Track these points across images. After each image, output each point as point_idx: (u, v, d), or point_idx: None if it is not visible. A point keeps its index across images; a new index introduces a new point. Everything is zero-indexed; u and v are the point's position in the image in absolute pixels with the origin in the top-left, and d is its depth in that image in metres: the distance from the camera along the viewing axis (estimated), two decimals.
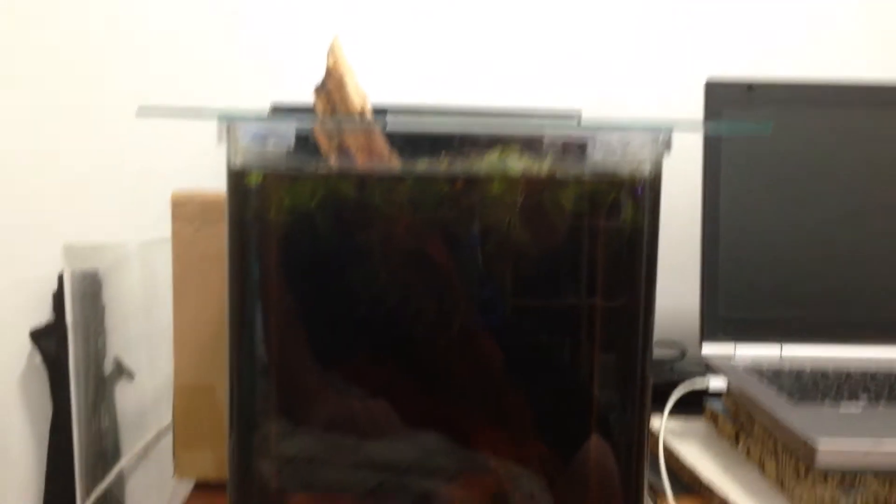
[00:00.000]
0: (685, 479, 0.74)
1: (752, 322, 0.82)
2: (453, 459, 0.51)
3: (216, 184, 0.67)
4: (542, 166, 0.48)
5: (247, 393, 0.50)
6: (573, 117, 0.76)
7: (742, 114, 0.82)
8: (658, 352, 0.97)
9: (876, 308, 0.84)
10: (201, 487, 0.72)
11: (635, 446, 0.51)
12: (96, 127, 0.97)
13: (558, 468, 0.52)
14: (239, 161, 0.47)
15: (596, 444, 0.51)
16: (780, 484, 0.68)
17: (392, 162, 0.50)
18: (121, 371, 0.97)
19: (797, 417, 0.66)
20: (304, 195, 0.47)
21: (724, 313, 0.82)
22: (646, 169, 0.48)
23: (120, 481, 0.97)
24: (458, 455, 0.51)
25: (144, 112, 0.41)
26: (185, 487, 0.73)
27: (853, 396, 0.70)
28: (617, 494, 0.51)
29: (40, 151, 0.97)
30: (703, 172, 0.83)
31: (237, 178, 0.47)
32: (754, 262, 0.83)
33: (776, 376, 0.76)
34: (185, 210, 0.67)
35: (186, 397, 0.71)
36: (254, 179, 0.47)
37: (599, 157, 0.47)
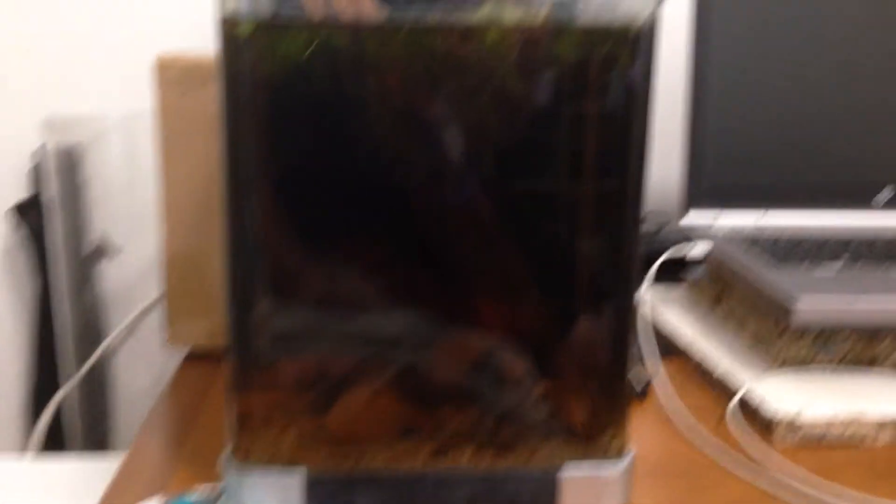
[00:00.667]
0: (666, 342, 0.76)
1: (736, 188, 0.83)
2: (442, 325, 0.52)
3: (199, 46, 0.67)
4: (538, 17, 0.48)
5: (243, 250, 0.50)
6: None
7: None
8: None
9: (856, 173, 0.85)
10: (192, 357, 0.73)
11: (623, 309, 0.52)
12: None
13: (549, 333, 0.53)
14: (229, 8, 0.46)
15: (584, 307, 0.52)
16: (758, 343, 0.70)
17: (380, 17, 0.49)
18: (106, 246, 0.97)
19: (775, 279, 0.67)
20: (296, 45, 0.47)
21: (708, 179, 0.83)
22: (642, 20, 0.47)
23: (107, 357, 0.98)
24: (447, 321, 0.52)
25: None
26: (174, 360, 0.74)
27: (830, 259, 0.72)
28: (603, 360, 0.52)
29: (17, 23, 0.94)
30: (692, 33, 0.82)
31: (227, 28, 0.46)
32: (739, 127, 0.84)
33: (756, 242, 0.77)
34: (170, 74, 0.66)
35: (177, 266, 0.72)
36: (245, 29, 0.46)
37: (596, 7, 0.47)
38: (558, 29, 0.48)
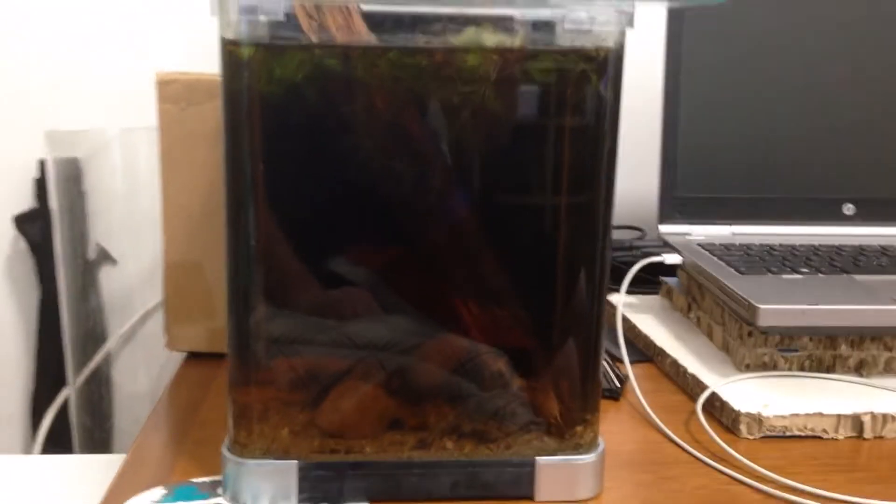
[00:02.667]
0: (641, 347, 0.80)
1: (708, 202, 0.88)
2: (426, 331, 0.56)
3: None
4: (515, 40, 0.52)
5: (244, 258, 0.54)
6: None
7: None
8: (620, 234, 1.03)
9: (821, 189, 0.89)
10: (193, 358, 0.77)
11: (594, 313, 0.56)
12: (78, 15, 0.98)
13: (525, 334, 0.57)
14: (231, 34, 0.50)
15: (557, 311, 0.56)
16: (726, 348, 0.74)
17: (371, 41, 0.54)
18: (104, 256, 1.00)
19: (740, 286, 0.71)
20: (291, 67, 0.51)
21: (682, 194, 0.87)
22: (611, 43, 0.51)
23: (108, 361, 1.02)
24: (431, 324, 0.56)
25: None
26: (174, 363, 0.78)
27: (796, 268, 0.76)
28: (576, 361, 0.56)
29: (21, 38, 0.98)
30: (665, 55, 0.86)
31: (229, 50, 0.50)
32: (711, 144, 0.88)
33: (727, 251, 0.81)
34: (171, 89, 0.70)
35: (176, 274, 0.75)
36: (245, 52, 0.50)
37: (568, 33, 0.51)
38: (534, 51, 0.52)
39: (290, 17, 0.50)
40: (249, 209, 0.53)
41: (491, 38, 0.52)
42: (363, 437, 0.55)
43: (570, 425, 0.56)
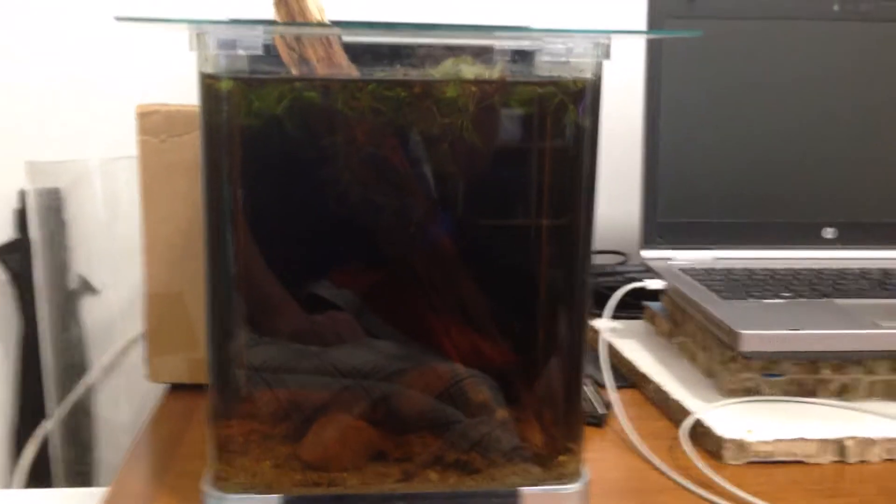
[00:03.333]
0: (625, 372, 0.80)
1: (689, 227, 0.88)
2: (409, 357, 0.55)
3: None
4: (493, 72, 0.52)
5: (224, 288, 0.54)
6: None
7: (683, 24, 0.86)
8: (603, 259, 1.03)
9: (802, 214, 0.90)
10: (175, 390, 0.76)
11: (575, 343, 0.56)
12: (59, 46, 0.98)
13: (508, 364, 0.57)
14: (209, 68, 0.50)
15: (539, 340, 0.56)
16: (710, 373, 0.74)
17: (352, 72, 0.54)
18: (86, 286, 1.00)
19: (722, 311, 0.72)
20: (271, 100, 0.51)
21: (664, 219, 0.88)
22: (588, 74, 0.52)
23: (90, 392, 1.01)
24: (414, 352, 0.55)
25: (122, 19, 0.44)
26: (157, 394, 0.77)
27: (777, 293, 0.77)
28: (558, 388, 0.56)
29: (1, 69, 0.98)
30: (644, 85, 0.87)
31: (208, 84, 0.50)
32: (693, 170, 0.89)
33: (708, 275, 0.82)
34: (151, 121, 0.70)
35: (158, 305, 0.75)
36: (224, 85, 0.50)
37: (546, 64, 0.51)
38: (512, 82, 0.52)
39: (270, 50, 0.51)
40: (229, 241, 0.53)
41: (469, 70, 0.53)
42: (346, 469, 0.55)
43: (553, 454, 0.56)
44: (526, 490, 0.55)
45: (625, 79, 0.91)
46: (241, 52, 0.49)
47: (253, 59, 0.50)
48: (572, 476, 0.56)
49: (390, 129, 0.52)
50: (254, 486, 0.54)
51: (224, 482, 0.54)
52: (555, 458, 0.56)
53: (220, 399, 0.55)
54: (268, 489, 0.54)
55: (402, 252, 0.55)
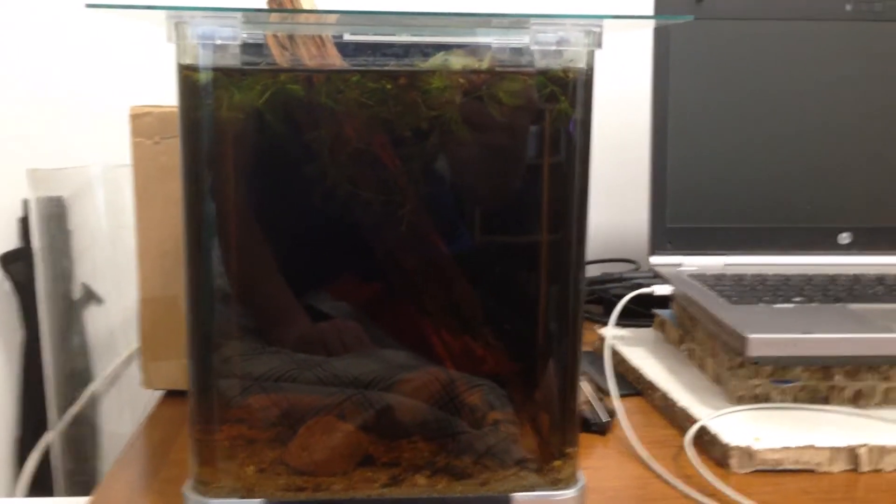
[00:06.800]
0: (632, 380, 0.78)
1: (699, 233, 0.86)
2: (400, 360, 0.54)
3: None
4: (482, 63, 0.51)
5: (206, 290, 0.53)
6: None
7: (691, 25, 0.85)
8: (613, 266, 1.01)
9: (816, 219, 0.87)
10: (170, 396, 0.75)
11: (570, 346, 0.54)
12: (60, 52, 0.98)
13: (502, 369, 0.55)
14: (188, 59, 0.49)
15: (533, 344, 0.54)
16: (718, 380, 0.72)
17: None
18: (89, 296, 0.99)
19: (730, 316, 0.69)
20: (253, 92, 0.49)
21: (673, 224, 0.86)
22: (580, 64, 0.50)
23: (93, 403, 1.00)
24: (403, 357, 0.54)
25: (93, 6, 0.43)
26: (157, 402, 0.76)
27: (788, 298, 0.74)
28: (553, 393, 0.54)
29: (2, 77, 0.98)
30: (652, 87, 0.85)
31: (186, 76, 0.49)
32: (702, 174, 0.86)
33: (718, 281, 0.79)
34: (144, 122, 0.69)
35: (152, 309, 0.74)
36: (203, 76, 0.49)
37: (536, 53, 0.50)
38: (501, 73, 0.50)
39: (250, 48, 0.49)
40: (209, 241, 0.51)
41: (458, 61, 0.51)
42: (333, 474, 0.53)
43: (547, 459, 0.54)
44: (519, 496, 0.52)
45: (630, 78, 0.90)
46: (220, 41, 0.48)
47: (234, 49, 0.49)
48: (567, 482, 0.54)
49: (376, 123, 0.51)
50: (237, 491, 0.52)
51: (206, 487, 0.52)
52: (549, 464, 0.54)
53: (202, 404, 0.53)
54: (250, 494, 0.52)
55: (391, 250, 0.53)
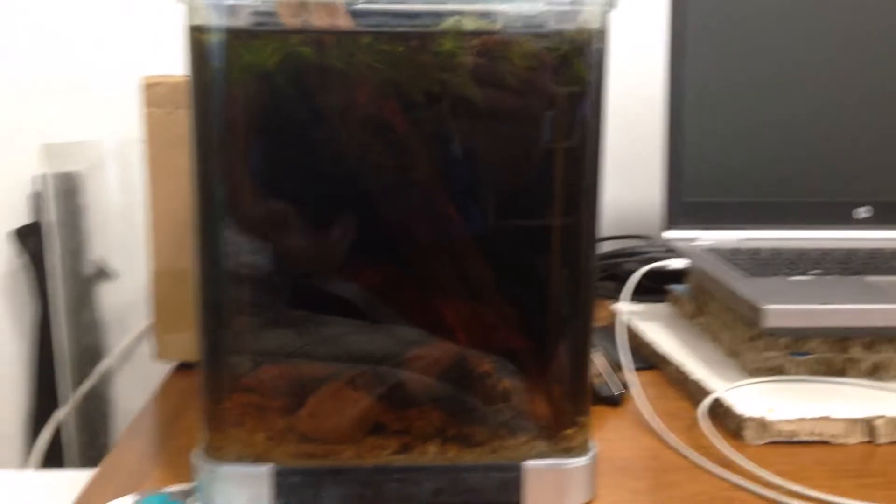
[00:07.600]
0: (646, 355, 0.77)
1: (715, 207, 0.85)
2: (409, 332, 0.53)
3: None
4: (494, 24, 0.50)
5: (215, 260, 0.52)
6: None
7: None
8: (623, 243, 1.00)
9: (835, 192, 0.86)
10: (181, 368, 0.75)
11: (583, 316, 0.53)
12: (73, 26, 0.98)
13: (514, 339, 0.54)
14: (198, 19, 0.48)
15: (546, 314, 0.53)
16: (734, 354, 0.71)
17: None
18: (102, 271, 0.99)
19: (746, 287, 0.68)
20: (263, 54, 0.49)
21: (688, 198, 0.85)
22: (594, 24, 0.49)
23: (105, 379, 1.00)
24: (415, 327, 0.53)
25: None
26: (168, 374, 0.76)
27: (805, 271, 0.73)
28: (565, 362, 0.53)
29: (15, 51, 0.98)
30: (668, 58, 0.84)
31: (196, 37, 0.48)
32: (719, 147, 0.85)
33: (734, 255, 0.78)
34: (156, 92, 0.69)
35: (164, 281, 0.73)
36: (213, 37, 0.48)
37: (549, 14, 0.49)
38: (514, 35, 0.50)
39: (261, 12, 0.49)
40: (219, 208, 0.51)
41: (469, 23, 0.50)
42: (343, 441, 0.53)
43: (559, 428, 0.53)
44: (529, 463, 0.52)
45: (646, 52, 0.89)
46: (232, 1, 0.47)
47: (243, 10, 0.48)
48: (579, 450, 0.53)
49: (388, 86, 0.50)
50: (246, 458, 0.52)
51: (216, 452, 0.52)
52: (561, 432, 0.53)
53: (212, 370, 0.53)
54: (260, 460, 0.52)
55: (402, 218, 0.53)
